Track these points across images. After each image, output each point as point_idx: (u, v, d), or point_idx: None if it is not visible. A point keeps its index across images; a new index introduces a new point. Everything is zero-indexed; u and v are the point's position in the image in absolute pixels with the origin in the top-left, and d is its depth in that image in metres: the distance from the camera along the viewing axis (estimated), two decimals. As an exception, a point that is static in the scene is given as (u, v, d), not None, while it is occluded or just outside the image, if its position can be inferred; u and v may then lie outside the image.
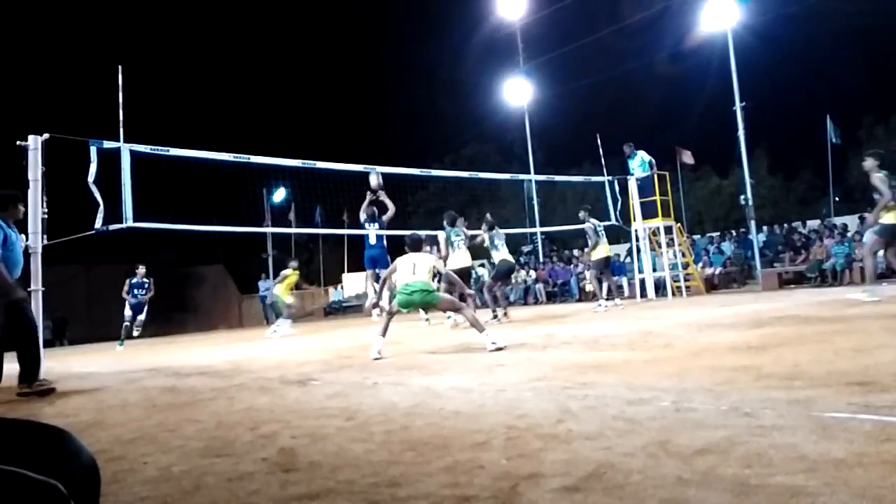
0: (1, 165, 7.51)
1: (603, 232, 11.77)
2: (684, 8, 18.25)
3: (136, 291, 12.90)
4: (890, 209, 7.53)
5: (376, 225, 11.41)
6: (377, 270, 11.44)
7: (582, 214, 11.86)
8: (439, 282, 8.53)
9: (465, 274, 9.19)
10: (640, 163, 13.91)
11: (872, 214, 7.88)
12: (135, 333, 13.18)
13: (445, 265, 8.90)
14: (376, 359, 5.90)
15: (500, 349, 5.65)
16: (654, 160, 13.97)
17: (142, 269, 13.01)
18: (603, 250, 11.71)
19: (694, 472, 1.87)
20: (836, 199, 21.25)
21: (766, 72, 27.67)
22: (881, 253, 7.93)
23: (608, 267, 12.29)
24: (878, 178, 7.57)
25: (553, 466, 2.06)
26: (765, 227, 18.12)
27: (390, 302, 6.85)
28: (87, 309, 21.21)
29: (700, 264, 15.76)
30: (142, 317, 13.07)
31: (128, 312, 12.79)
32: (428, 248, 12.56)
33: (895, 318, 5.63)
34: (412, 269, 6.54)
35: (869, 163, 7.79)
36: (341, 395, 3.90)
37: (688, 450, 2.09)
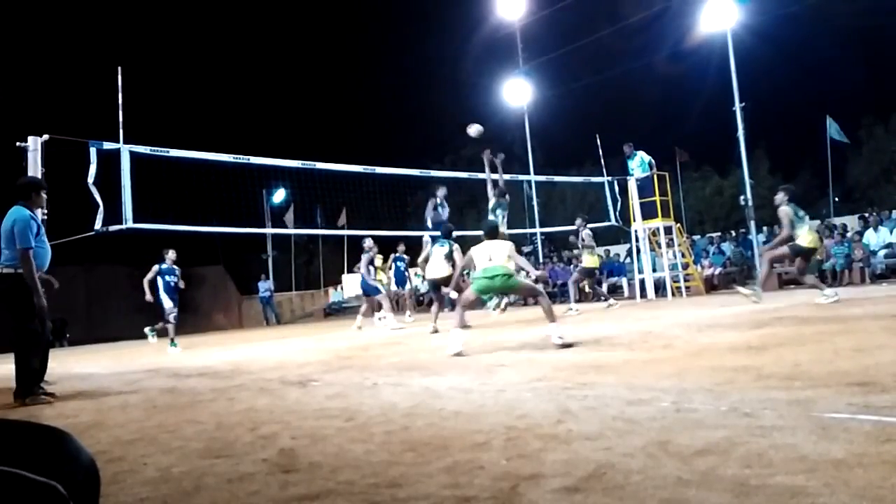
0: (1, 166, 7.51)
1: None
2: (684, 8, 18.24)
3: (167, 278, 11.22)
4: (803, 232, 8.16)
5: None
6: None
7: (579, 222, 12.05)
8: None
9: (444, 283, 9.21)
10: (639, 163, 13.92)
11: (770, 246, 8.60)
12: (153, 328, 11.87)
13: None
14: (458, 354, 5.64)
15: (568, 346, 5.50)
16: (653, 161, 13.97)
17: (171, 254, 11.02)
18: (596, 259, 12.33)
19: (694, 473, 1.87)
20: (836, 199, 21.26)
21: (766, 72, 27.74)
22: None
23: (593, 276, 12.83)
24: (784, 212, 8.12)
25: (553, 467, 2.06)
26: (765, 228, 18.12)
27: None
28: (87, 310, 21.19)
29: (700, 267, 15.75)
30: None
31: (168, 304, 10.94)
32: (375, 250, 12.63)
33: (895, 318, 5.63)
34: (488, 257, 6.46)
35: (779, 197, 8.34)
36: (341, 396, 3.90)
37: (688, 450, 2.09)
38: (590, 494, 1.78)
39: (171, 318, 10.93)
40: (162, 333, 11.57)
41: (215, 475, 2.34)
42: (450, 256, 9.26)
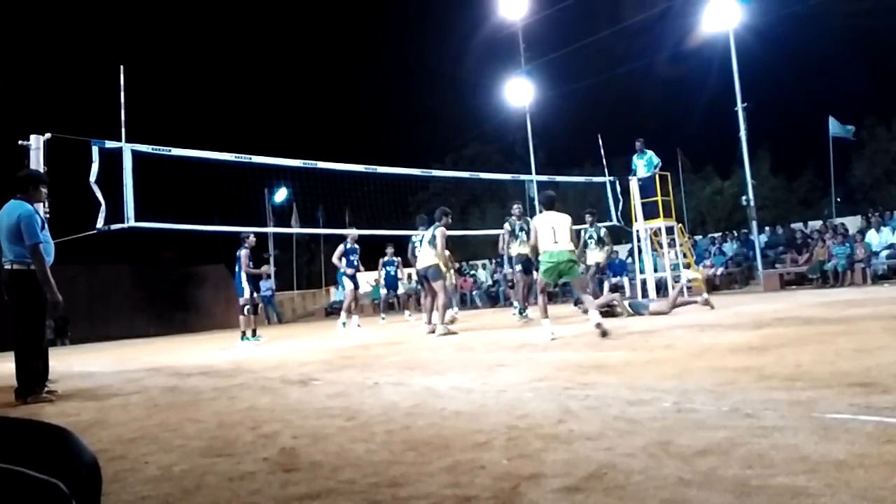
0: (3, 165, 7.52)
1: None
2: (686, 9, 18.24)
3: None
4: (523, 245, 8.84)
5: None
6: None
7: (590, 219, 12.00)
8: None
9: (426, 274, 8.99)
10: (646, 161, 13.88)
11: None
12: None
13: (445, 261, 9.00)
14: (553, 339, 6.16)
15: (605, 333, 5.96)
16: (661, 162, 13.94)
17: (252, 238, 10.27)
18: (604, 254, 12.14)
19: (695, 473, 1.87)
20: (838, 199, 21.21)
21: (768, 72, 27.67)
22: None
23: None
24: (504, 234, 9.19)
25: (554, 467, 2.06)
26: (767, 228, 18.11)
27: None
28: (89, 309, 21.20)
29: (702, 267, 15.73)
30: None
31: (248, 292, 10.09)
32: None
33: (897, 319, 5.62)
34: (553, 235, 6.43)
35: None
36: (342, 395, 3.90)
37: (689, 450, 2.09)
38: (591, 494, 1.78)
39: (250, 307, 10.16)
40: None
41: (216, 474, 2.34)
42: (432, 241, 8.77)
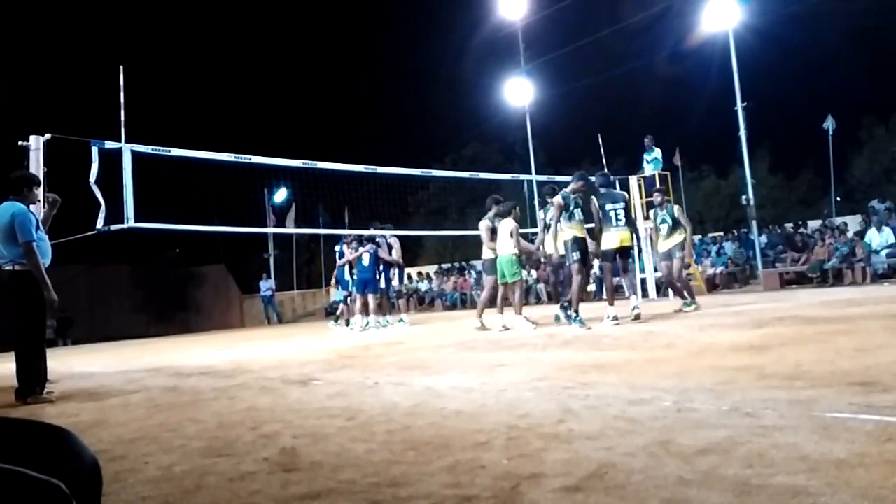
0: (2, 165, 7.52)
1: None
2: (686, 8, 18.23)
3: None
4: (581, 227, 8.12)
5: (371, 246, 11.07)
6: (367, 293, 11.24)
7: (658, 198, 9.90)
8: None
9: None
10: (653, 158, 13.91)
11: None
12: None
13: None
14: (504, 329, 7.46)
15: (507, 329, 7.30)
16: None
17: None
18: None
19: (695, 472, 1.87)
20: (838, 198, 21.22)
21: (768, 72, 27.64)
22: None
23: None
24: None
25: (554, 466, 2.06)
26: (770, 226, 18.12)
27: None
28: (90, 309, 21.20)
29: (701, 266, 15.74)
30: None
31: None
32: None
33: (897, 318, 5.62)
34: (502, 237, 7.96)
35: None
36: (343, 395, 3.90)
37: (689, 450, 2.09)
38: (591, 494, 1.78)
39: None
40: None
41: (217, 474, 2.34)
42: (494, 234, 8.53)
